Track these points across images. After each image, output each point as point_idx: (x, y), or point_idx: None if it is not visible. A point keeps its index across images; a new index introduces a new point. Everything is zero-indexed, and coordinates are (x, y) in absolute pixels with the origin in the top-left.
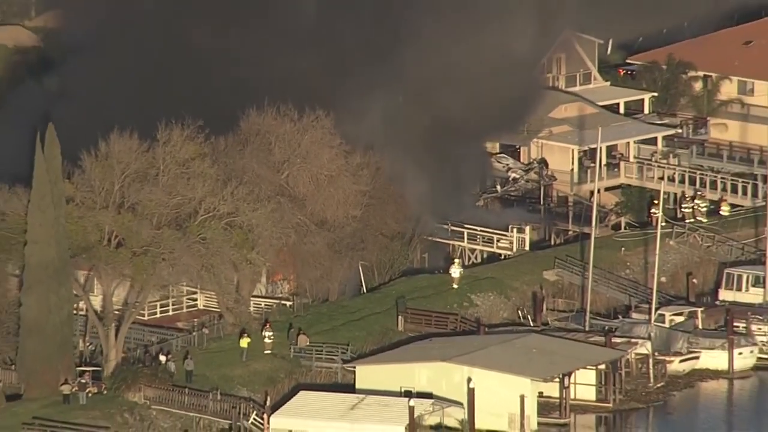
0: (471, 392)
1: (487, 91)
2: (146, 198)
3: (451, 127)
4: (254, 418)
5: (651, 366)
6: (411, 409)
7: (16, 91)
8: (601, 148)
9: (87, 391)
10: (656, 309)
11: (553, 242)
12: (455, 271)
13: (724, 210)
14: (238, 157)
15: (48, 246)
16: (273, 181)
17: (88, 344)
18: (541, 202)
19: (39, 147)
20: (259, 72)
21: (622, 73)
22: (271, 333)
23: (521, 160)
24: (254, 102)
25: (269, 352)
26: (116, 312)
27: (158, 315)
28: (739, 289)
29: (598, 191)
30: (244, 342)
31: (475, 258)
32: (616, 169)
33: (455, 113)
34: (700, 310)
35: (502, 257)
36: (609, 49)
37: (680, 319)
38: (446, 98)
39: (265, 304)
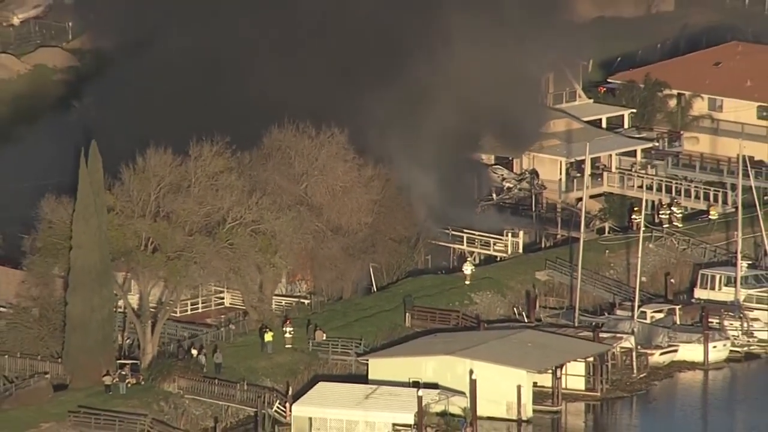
0: (473, 383)
1: (494, 110)
2: (179, 207)
3: (454, 140)
4: (277, 407)
5: (634, 358)
6: (419, 399)
7: (58, 108)
8: (591, 157)
9: (126, 382)
10: (638, 307)
11: (543, 245)
12: (467, 268)
13: (713, 215)
14: (261, 170)
15: (91, 251)
16: (293, 192)
17: (126, 339)
18: (533, 209)
19: (83, 162)
20: (281, 93)
21: (602, 91)
22: (291, 329)
23: (514, 171)
24: (276, 120)
25: (290, 346)
26: (152, 310)
27: (189, 312)
28: (712, 288)
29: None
30: (268, 336)
31: (474, 259)
32: (599, 179)
33: (460, 129)
34: (678, 307)
35: (498, 259)
36: (590, 67)
37: (660, 315)
38: (451, 115)
39: (286, 303)
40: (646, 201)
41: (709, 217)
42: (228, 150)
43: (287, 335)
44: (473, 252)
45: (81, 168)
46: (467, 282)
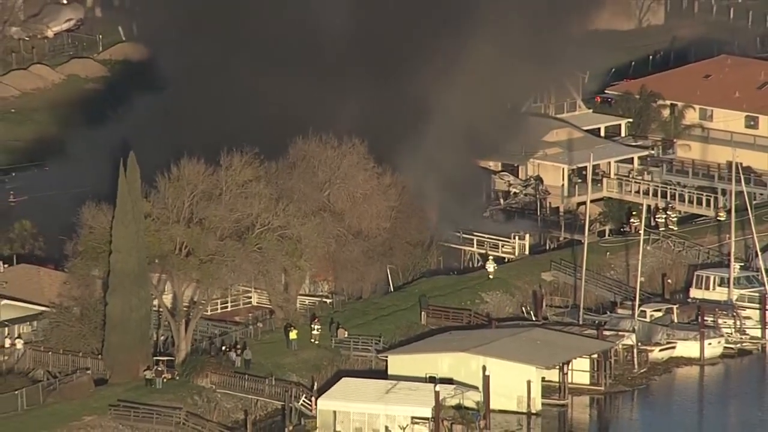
0: (486, 378)
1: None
2: (211, 214)
3: (463, 149)
4: (303, 401)
5: (635, 355)
6: (437, 394)
7: (94, 117)
8: (592, 165)
9: (162, 377)
10: (638, 306)
11: (547, 247)
12: (490, 266)
13: (721, 216)
14: (287, 178)
15: (130, 255)
16: (316, 199)
17: (161, 336)
18: (538, 213)
19: (122, 171)
20: (305, 107)
21: (599, 100)
22: (319, 326)
23: (520, 177)
24: (300, 132)
25: (317, 342)
26: (185, 309)
27: (219, 311)
28: (707, 289)
29: (583, 203)
30: (293, 334)
31: (494, 259)
32: (599, 185)
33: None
34: (675, 306)
35: (506, 260)
36: (586, 78)
37: (659, 314)
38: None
39: (309, 302)
40: (641, 205)
41: (718, 218)
42: (256, 160)
43: (315, 332)
44: (487, 253)
45: (120, 177)
46: (491, 277)
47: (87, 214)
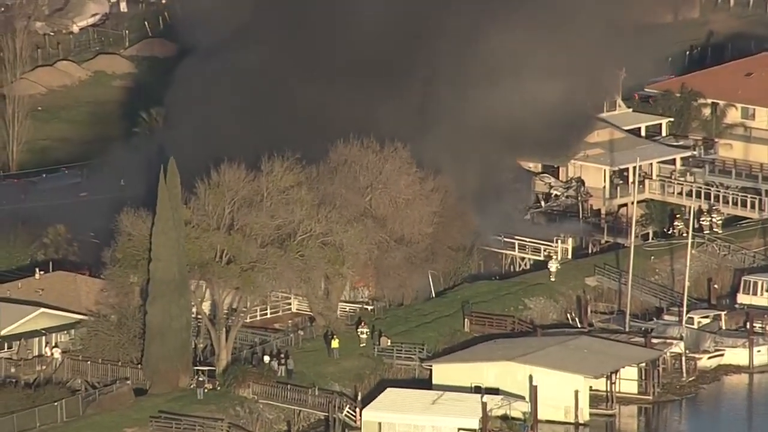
0: (534, 389)
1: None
2: (252, 221)
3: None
4: (348, 411)
5: (683, 363)
6: (484, 405)
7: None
8: (634, 167)
9: (203, 387)
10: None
11: (590, 251)
12: (552, 266)
13: None
14: (329, 183)
15: (170, 263)
16: (358, 204)
17: (201, 344)
18: (580, 216)
19: (162, 178)
20: (345, 112)
21: (637, 97)
22: (366, 330)
23: (561, 179)
24: (341, 136)
25: (364, 345)
26: (225, 317)
27: (259, 318)
28: (755, 294)
29: (625, 205)
30: (335, 343)
31: (525, 265)
32: (641, 186)
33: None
34: (723, 313)
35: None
36: (623, 75)
37: (707, 321)
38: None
39: (350, 309)
40: (683, 207)
41: None
42: (298, 165)
43: (362, 336)
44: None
45: (160, 184)
46: (552, 279)
47: (125, 221)
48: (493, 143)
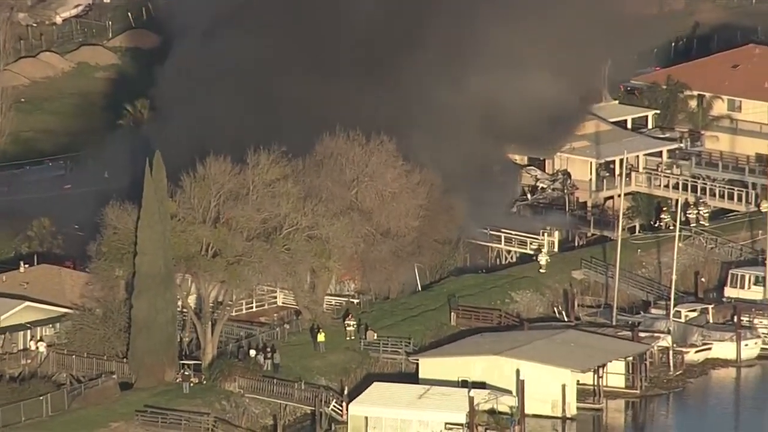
0: (521, 383)
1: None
2: (238, 214)
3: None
4: (334, 406)
5: (671, 357)
6: (471, 399)
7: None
8: (619, 159)
9: (189, 381)
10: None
11: (576, 244)
12: (542, 258)
13: (765, 207)
14: (315, 176)
15: (156, 257)
16: (344, 197)
17: (186, 337)
18: (566, 209)
19: (148, 171)
20: (331, 104)
21: (623, 88)
22: (353, 322)
23: (547, 172)
24: (327, 128)
25: (352, 338)
26: (210, 310)
27: (244, 311)
28: (742, 287)
29: (611, 198)
30: (321, 337)
31: (511, 258)
32: (627, 179)
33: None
34: (710, 306)
35: (534, 258)
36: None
37: (694, 314)
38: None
39: (336, 302)
40: (670, 200)
41: (760, 209)
42: (284, 158)
43: (349, 328)
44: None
45: (146, 178)
46: (542, 270)
47: (111, 214)
48: (480, 136)
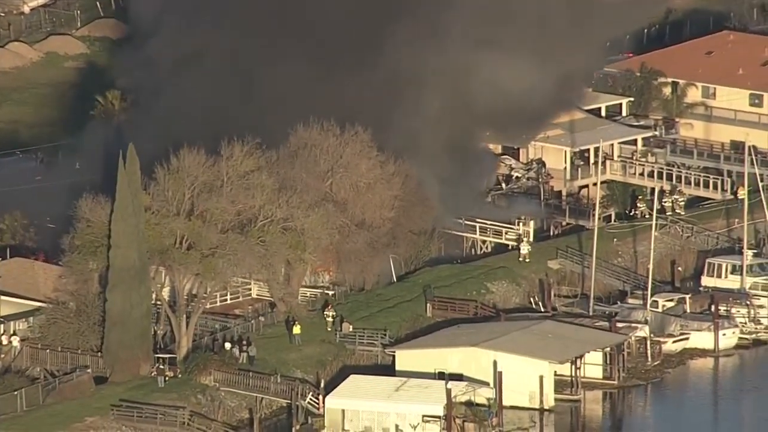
0: (499, 374)
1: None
2: (213, 206)
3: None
4: (310, 399)
5: (648, 347)
6: (448, 391)
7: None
8: (594, 148)
9: (164, 375)
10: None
11: (552, 233)
12: (524, 248)
13: (741, 194)
14: (289, 167)
15: (130, 250)
16: (319, 188)
17: (160, 330)
18: (540, 198)
19: (121, 164)
20: (304, 94)
21: (596, 76)
22: (332, 313)
23: (521, 161)
24: (301, 119)
25: (330, 329)
26: (185, 303)
27: (219, 304)
28: (719, 277)
29: (586, 186)
30: (297, 329)
31: (486, 248)
32: (602, 167)
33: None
34: (688, 296)
35: (510, 248)
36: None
37: (671, 304)
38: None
39: (311, 294)
40: (646, 188)
41: (737, 197)
42: (258, 150)
43: (329, 319)
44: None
45: (120, 171)
46: (527, 260)
47: (84, 207)
48: (455, 124)
